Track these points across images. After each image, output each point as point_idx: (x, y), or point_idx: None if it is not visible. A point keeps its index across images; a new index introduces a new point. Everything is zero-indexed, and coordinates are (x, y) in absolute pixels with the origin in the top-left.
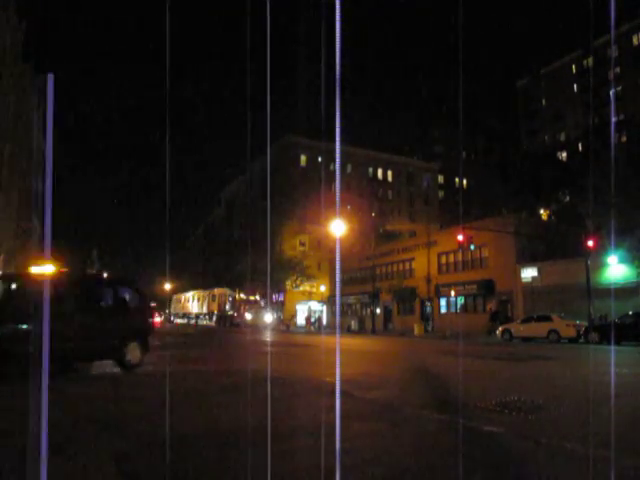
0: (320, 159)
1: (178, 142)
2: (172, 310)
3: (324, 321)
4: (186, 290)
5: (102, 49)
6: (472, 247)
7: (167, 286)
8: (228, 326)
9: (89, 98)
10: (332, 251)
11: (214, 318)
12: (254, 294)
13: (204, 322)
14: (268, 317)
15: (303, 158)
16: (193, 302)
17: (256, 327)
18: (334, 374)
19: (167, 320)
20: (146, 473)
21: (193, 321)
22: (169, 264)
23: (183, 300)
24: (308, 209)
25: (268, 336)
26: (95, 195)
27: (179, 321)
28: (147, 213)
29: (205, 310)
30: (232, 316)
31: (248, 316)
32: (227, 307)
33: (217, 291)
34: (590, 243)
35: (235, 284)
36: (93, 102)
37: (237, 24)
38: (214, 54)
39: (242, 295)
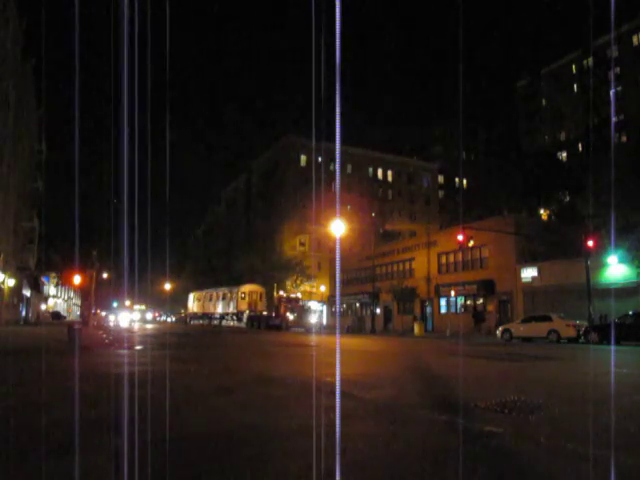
0: (320, 159)
1: (177, 141)
2: (190, 310)
3: (324, 321)
4: (188, 290)
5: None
6: (471, 242)
7: (167, 286)
8: (264, 328)
9: (91, 95)
10: (332, 251)
11: (244, 319)
12: (295, 291)
13: (231, 323)
14: (314, 317)
15: (303, 158)
16: (217, 301)
17: (303, 329)
18: (334, 374)
19: (182, 321)
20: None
21: (216, 322)
22: (169, 264)
23: (203, 299)
24: (308, 209)
25: (313, 341)
26: (95, 195)
27: (196, 322)
28: (147, 212)
29: (232, 309)
30: (268, 316)
31: (291, 316)
32: (260, 306)
33: (248, 288)
34: (590, 243)
35: (236, 283)
36: (92, 100)
37: (250, 26)
38: (213, 54)
39: (282, 292)
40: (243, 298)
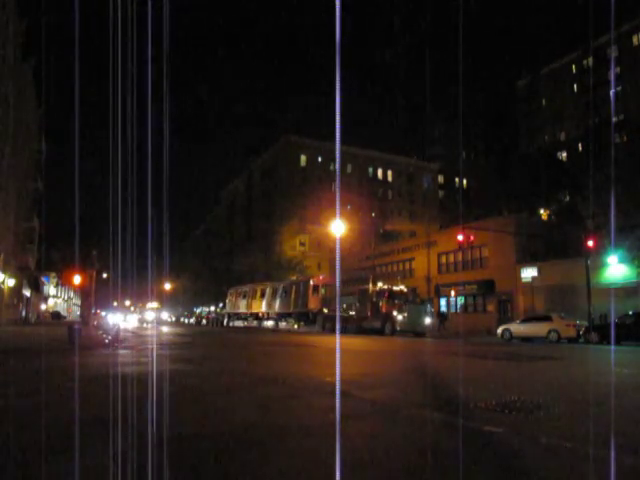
0: (320, 159)
1: (178, 141)
2: (229, 309)
3: (280, 321)
4: (189, 290)
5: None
6: (471, 238)
7: (167, 286)
8: (353, 332)
9: (91, 95)
10: (332, 251)
11: (319, 319)
12: (396, 282)
13: (294, 325)
14: (427, 317)
15: (303, 158)
16: (272, 298)
17: (413, 333)
18: (334, 374)
19: (216, 322)
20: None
21: (269, 323)
22: (170, 264)
23: (250, 295)
24: (308, 209)
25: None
26: (95, 195)
27: (238, 324)
28: (146, 214)
29: (298, 308)
30: (361, 316)
31: (399, 316)
32: (335, 303)
33: (321, 279)
34: (590, 243)
35: (235, 284)
36: (93, 100)
37: (245, 25)
38: (217, 53)
39: (380, 283)
40: (315, 293)
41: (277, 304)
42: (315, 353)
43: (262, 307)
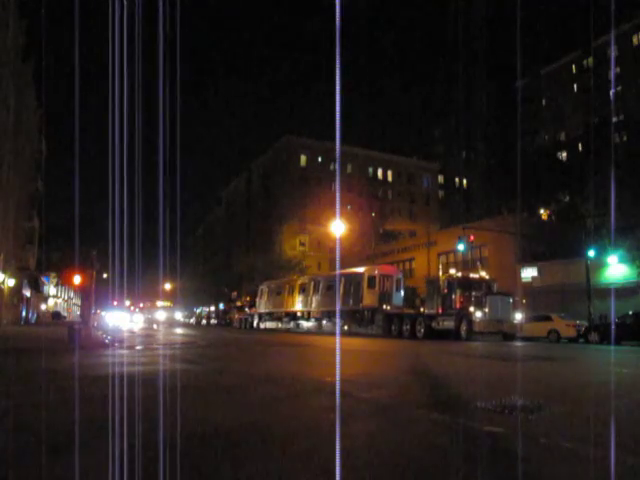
0: (320, 159)
1: (178, 140)
2: (259, 308)
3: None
4: (189, 290)
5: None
6: (471, 239)
7: (167, 286)
8: (423, 335)
9: (92, 95)
10: (332, 251)
11: (377, 319)
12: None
13: (345, 326)
14: (518, 314)
15: (303, 158)
16: (312, 293)
17: (501, 337)
18: (334, 374)
19: (244, 323)
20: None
21: (309, 323)
22: (169, 264)
23: (284, 291)
24: (308, 209)
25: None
26: (95, 195)
27: (271, 324)
28: (147, 212)
29: (347, 305)
30: (430, 315)
31: (478, 313)
32: (397, 299)
33: (377, 269)
34: (591, 253)
35: (235, 284)
36: (91, 99)
37: (242, 26)
38: (218, 54)
39: (453, 270)
40: (371, 286)
41: (320, 301)
42: (311, 353)
43: (300, 305)
